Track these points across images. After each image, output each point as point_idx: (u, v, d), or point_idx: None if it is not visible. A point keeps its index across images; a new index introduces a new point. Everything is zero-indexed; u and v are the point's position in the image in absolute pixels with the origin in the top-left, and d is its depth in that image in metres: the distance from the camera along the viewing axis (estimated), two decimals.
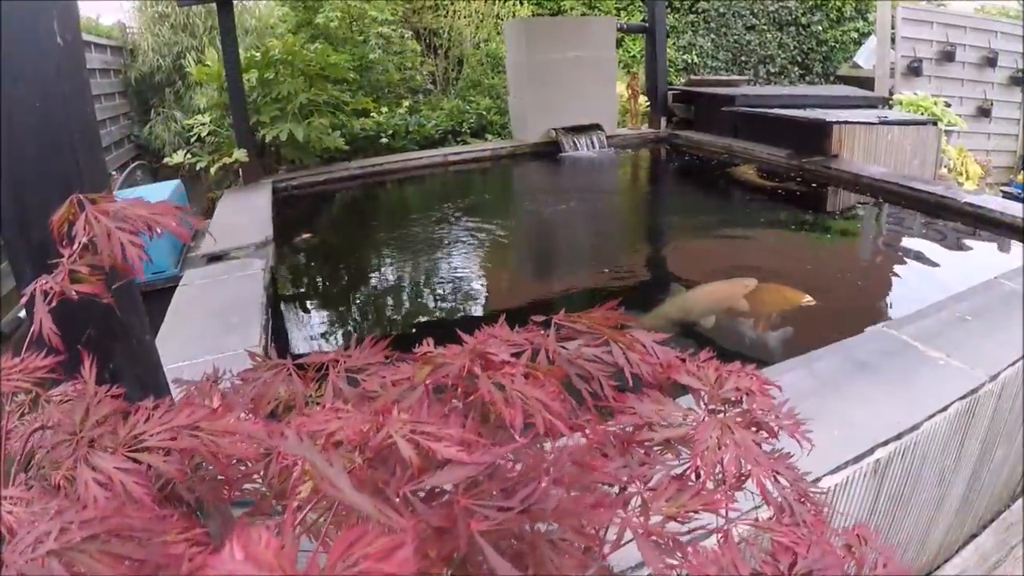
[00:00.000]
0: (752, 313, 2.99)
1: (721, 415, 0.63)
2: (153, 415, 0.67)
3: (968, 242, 4.08)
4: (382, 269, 4.38)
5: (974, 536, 2.54)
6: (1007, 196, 7.43)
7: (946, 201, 4.41)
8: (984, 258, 3.76)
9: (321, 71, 6.26)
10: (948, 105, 7.34)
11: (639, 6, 9.22)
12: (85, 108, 1.01)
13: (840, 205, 5.27)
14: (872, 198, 5.02)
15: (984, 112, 8.11)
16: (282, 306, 3.60)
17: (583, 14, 8.98)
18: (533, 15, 8.84)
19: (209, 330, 2.79)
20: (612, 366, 0.68)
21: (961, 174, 6.76)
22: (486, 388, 0.59)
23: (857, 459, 1.55)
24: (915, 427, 1.68)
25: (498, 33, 8.70)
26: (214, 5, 5.79)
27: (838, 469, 1.51)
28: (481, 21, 8.80)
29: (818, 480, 1.47)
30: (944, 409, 1.78)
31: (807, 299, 2.97)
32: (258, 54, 6.08)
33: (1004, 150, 8.24)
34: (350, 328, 3.46)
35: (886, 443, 1.61)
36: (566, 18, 7.80)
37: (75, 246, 0.73)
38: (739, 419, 0.63)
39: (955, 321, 2.36)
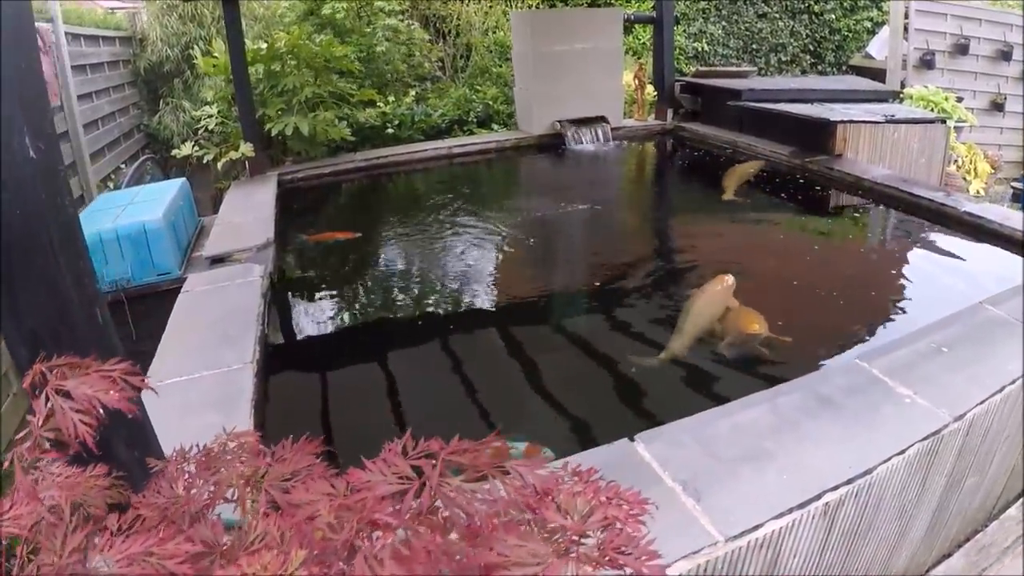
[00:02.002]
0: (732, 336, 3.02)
1: (575, 553, 0.69)
2: (115, 542, 0.75)
3: (965, 254, 4.07)
4: (377, 270, 4.46)
5: (946, 556, 2.61)
6: (1016, 192, 7.37)
7: (946, 209, 4.40)
8: (977, 274, 3.75)
9: (326, 63, 6.30)
10: (960, 100, 7.24)
11: None
12: (64, 209, 1.08)
13: (839, 204, 5.26)
14: (872, 202, 5.01)
15: (997, 106, 7.98)
16: (279, 313, 3.70)
17: (592, 3, 8.89)
18: (541, 3, 8.76)
19: (207, 342, 2.90)
20: (491, 501, 0.75)
21: (969, 172, 6.69)
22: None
23: (803, 504, 1.62)
24: (868, 471, 1.75)
25: (507, 20, 8.64)
26: None
27: (782, 515, 1.58)
28: (490, 7, 8.74)
29: (760, 526, 1.54)
30: (902, 452, 1.84)
31: (759, 329, 2.97)
32: (264, 47, 6.12)
33: (1016, 144, 8.11)
34: (345, 341, 3.55)
35: (836, 488, 1.68)
36: (572, 9, 7.74)
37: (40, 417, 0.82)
38: (596, 553, 0.69)
39: (930, 353, 2.39)
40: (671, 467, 1.71)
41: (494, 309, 3.79)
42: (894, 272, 3.76)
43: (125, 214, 4.15)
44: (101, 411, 0.86)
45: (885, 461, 1.79)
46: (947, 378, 2.22)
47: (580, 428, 2.62)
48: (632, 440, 1.84)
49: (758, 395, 2.05)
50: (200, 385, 2.59)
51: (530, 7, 8.69)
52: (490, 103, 7.76)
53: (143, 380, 0.96)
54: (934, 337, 2.50)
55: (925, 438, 1.91)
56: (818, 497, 1.64)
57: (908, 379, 2.18)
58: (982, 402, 2.12)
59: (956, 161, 6.78)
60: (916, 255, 4.23)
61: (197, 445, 1.47)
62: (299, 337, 3.63)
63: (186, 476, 1.22)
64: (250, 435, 1.53)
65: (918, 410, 2.02)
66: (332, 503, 0.78)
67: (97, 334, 1.44)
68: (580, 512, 0.73)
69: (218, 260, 4.06)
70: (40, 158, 0.99)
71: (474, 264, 4.34)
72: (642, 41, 9.09)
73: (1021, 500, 2.84)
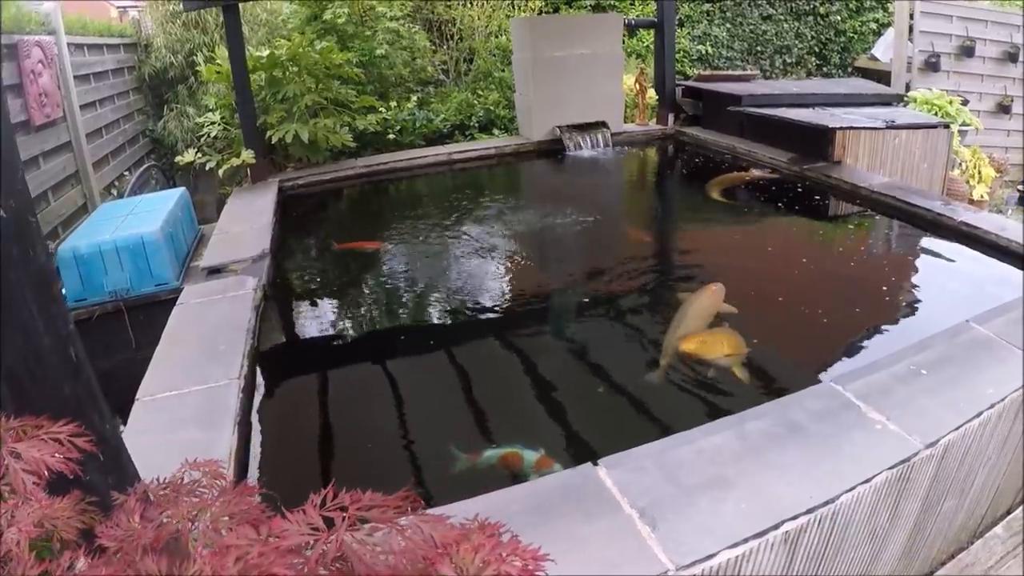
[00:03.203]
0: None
1: None
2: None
3: (959, 267, 4.04)
4: (372, 280, 4.50)
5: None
6: (1022, 195, 7.30)
7: (943, 219, 4.37)
8: (969, 288, 3.72)
9: (327, 70, 6.35)
10: (965, 103, 7.17)
11: None
12: (36, 259, 1.13)
13: (835, 213, 5.24)
14: (869, 211, 4.98)
15: (1004, 108, 7.90)
16: (273, 324, 3.74)
17: (595, 6, 8.88)
18: (544, 7, 8.76)
19: (196, 357, 2.95)
20: (391, 552, 0.79)
21: (973, 176, 6.63)
22: None
23: (761, 534, 1.63)
24: (831, 500, 1.76)
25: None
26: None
27: (737, 544, 1.59)
28: (493, 12, 8.76)
29: (713, 556, 1.56)
30: (868, 480, 1.85)
31: (722, 352, 2.97)
32: (265, 55, 6.18)
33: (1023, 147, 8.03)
34: (336, 352, 3.60)
35: (795, 517, 1.69)
36: (572, 15, 7.76)
37: None
38: None
39: (908, 375, 2.38)
40: (631, 493, 1.73)
41: (487, 321, 3.82)
42: (883, 286, 3.74)
43: (124, 225, 4.21)
44: (46, 472, 0.94)
45: (849, 490, 1.80)
46: (923, 403, 2.21)
47: (569, 439, 2.64)
48: (595, 464, 1.86)
49: (725, 420, 2.06)
50: (188, 401, 2.63)
51: (533, 11, 8.69)
52: (491, 108, 7.78)
53: (88, 441, 1.03)
54: (914, 358, 2.49)
55: (893, 466, 1.91)
56: (777, 527, 1.66)
57: (882, 404, 2.18)
58: (958, 428, 2.11)
59: (960, 166, 6.72)
60: (907, 267, 4.20)
61: (158, 479, 1.53)
62: (292, 348, 3.67)
63: (143, 509, 1.28)
64: (214, 464, 1.59)
65: (889, 437, 2.03)
66: (246, 556, 0.82)
67: (71, 370, 1.50)
68: (474, 567, 0.77)
69: (214, 271, 4.12)
70: (11, 216, 1.04)
71: (468, 274, 4.37)
72: (646, 44, 9.07)
73: (1006, 520, 2.83)
